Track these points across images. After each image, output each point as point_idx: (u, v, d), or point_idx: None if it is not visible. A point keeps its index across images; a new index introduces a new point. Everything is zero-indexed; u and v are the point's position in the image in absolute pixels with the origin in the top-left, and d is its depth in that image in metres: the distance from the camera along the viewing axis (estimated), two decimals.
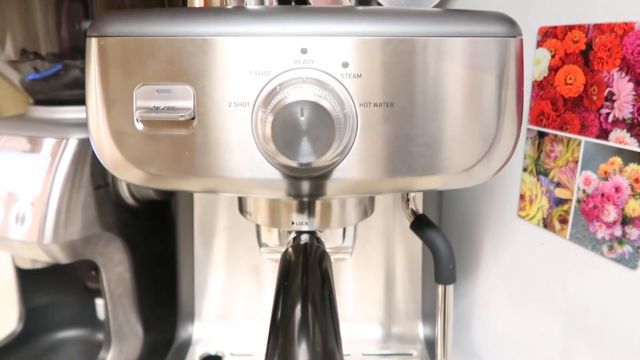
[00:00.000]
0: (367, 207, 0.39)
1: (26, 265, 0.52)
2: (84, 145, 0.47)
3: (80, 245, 0.48)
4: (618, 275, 0.38)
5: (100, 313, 0.63)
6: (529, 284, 0.48)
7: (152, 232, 0.58)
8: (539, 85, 0.45)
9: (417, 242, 0.54)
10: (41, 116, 0.52)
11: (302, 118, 0.28)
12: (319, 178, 0.32)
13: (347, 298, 0.55)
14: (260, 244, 0.42)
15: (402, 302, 0.55)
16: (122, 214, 0.52)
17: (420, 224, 0.42)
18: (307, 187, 0.33)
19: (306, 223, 0.36)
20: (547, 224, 0.45)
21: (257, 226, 0.41)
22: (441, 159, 0.32)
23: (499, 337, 0.53)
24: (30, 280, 0.60)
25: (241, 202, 0.39)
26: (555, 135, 0.43)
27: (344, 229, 0.41)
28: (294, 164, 0.29)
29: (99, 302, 0.62)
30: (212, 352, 0.53)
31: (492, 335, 0.55)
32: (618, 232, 0.38)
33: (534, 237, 0.47)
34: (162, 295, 0.59)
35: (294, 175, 0.32)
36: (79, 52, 0.49)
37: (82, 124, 0.48)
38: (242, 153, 0.31)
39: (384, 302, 0.55)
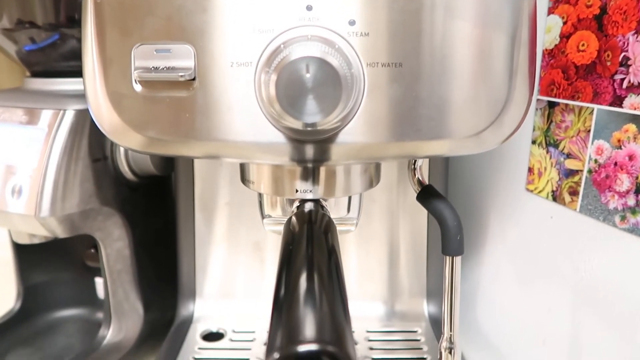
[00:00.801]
0: (372, 177, 0.38)
1: (24, 240, 0.51)
2: (82, 117, 0.46)
3: (78, 219, 0.47)
4: (630, 246, 0.37)
5: (100, 292, 0.62)
6: (536, 259, 0.47)
7: (151, 209, 0.57)
8: (549, 54, 0.43)
9: (421, 218, 0.53)
10: (38, 88, 0.50)
11: (308, 75, 0.27)
12: (323, 142, 0.31)
13: (350, 275, 0.54)
14: (263, 216, 0.40)
15: (406, 279, 0.54)
16: (121, 188, 0.51)
17: (426, 194, 0.40)
18: (312, 151, 0.31)
19: (310, 191, 0.35)
20: (556, 196, 0.44)
21: (260, 197, 0.40)
22: (450, 122, 0.31)
23: (505, 314, 0.53)
24: (28, 258, 0.59)
25: (243, 170, 0.38)
26: (566, 105, 0.42)
27: (349, 200, 0.40)
28: (298, 124, 0.28)
29: (99, 281, 0.61)
30: (214, 330, 0.52)
31: (497, 313, 0.54)
32: (631, 201, 0.37)
33: (542, 210, 0.46)
34: (163, 274, 0.58)
35: (298, 139, 0.31)
36: (75, 22, 0.48)
37: (80, 96, 0.47)
38: (245, 115, 0.30)
39: (388, 280, 0.54)
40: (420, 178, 0.42)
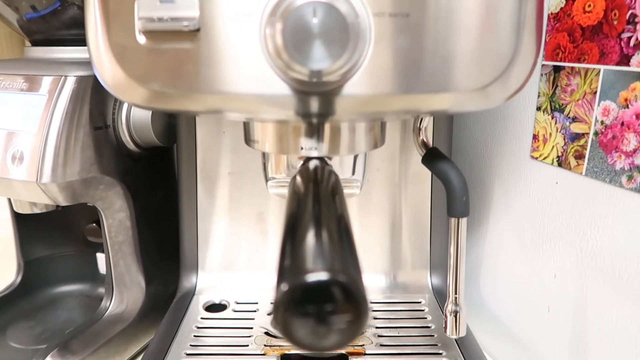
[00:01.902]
0: (377, 137, 0.38)
1: (25, 210, 0.51)
2: (83, 83, 0.45)
3: (79, 187, 0.46)
4: (638, 205, 0.37)
5: (102, 268, 0.62)
6: (541, 226, 0.47)
7: (153, 181, 0.56)
8: (555, 18, 0.43)
9: (425, 189, 0.52)
10: (39, 56, 0.50)
11: (315, 20, 0.27)
12: (329, 94, 0.31)
13: None
14: (267, 178, 0.40)
15: (409, 251, 0.54)
16: (122, 158, 0.51)
17: (431, 156, 0.40)
18: (317, 104, 0.31)
19: (315, 148, 0.35)
20: (561, 161, 0.44)
21: (264, 158, 0.40)
22: (456, 75, 0.31)
23: (509, 285, 0.52)
24: (29, 232, 0.58)
25: (247, 130, 0.38)
26: (572, 68, 0.42)
27: (354, 161, 0.40)
28: (305, 72, 0.28)
29: (100, 256, 0.61)
30: (217, 301, 0.52)
31: (501, 285, 0.54)
32: (638, 160, 0.36)
33: (547, 177, 0.46)
34: (165, 248, 0.58)
35: (304, 91, 0.30)
36: None
37: (81, 63, 0.46)
38: (250, 66, 0.30)
39: (391, 251, 0.54)
40: (425, 140, 0.42)
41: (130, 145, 0.51)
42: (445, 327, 0.40)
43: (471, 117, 0.57)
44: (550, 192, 0.45)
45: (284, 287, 0.20)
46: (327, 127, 0.35)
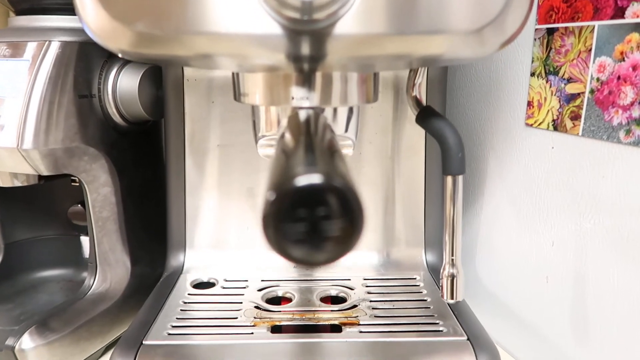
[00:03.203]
0: (370, 90, 0.36)
1: (5, 182, 0.49)
2: (68, 49, 0.44)
3: (63, 156, 0.45)
4: (637, 159, 0.36)
5: (87, 252, 0.60)
6: (537, 195, 0.46)
7: (140, 158, 0.55)
8: None
9: (418, 162, 0.51)
10: (23, 25, 0.49)
11: None
12: (320, 34, 0.30)
13: None
14: (257, 138, 0.39)
15: (403, 228, 0.53)
16: (108, 131, 0.49)
17: (425, 114, 0.39)
18: (308, 44, 0.30)
19: (307, 98, 0.34)
20: (557, 125, 0.43)
21: (254, 115, 0.39)
22: (451, 15, 0.30)
23: (506, 261, 0.51)
24: (11, 213, 0.56)
25: (236, 83, 0.36)
26: (566, 28, 0.41)
27: (348, 118, 0.38)
28: (296, 5, 0.27)
29: (85, 240, 0.59)
30: (205, 279, 0.50)
31: (497, 261, 0.53)
32: (636, 113, 0.36)
33: (542, 143, 0.45)
34: (152, 230, 0.56)
35: (295, 29, 0.29)
36: None
37: (66, 29, 0.45)
38: (239, 4, 0.29)
39: (384, 228, 0.53)
40: (418, 97, 0.41)
41: (117, 117, 0.50)
42: (442, 292, 0.39)
43: (463, 91, 0.56)
44: (546, 158, 0.45)
45: (273, 194, 0.19)
46: (318, 76, 0.34)
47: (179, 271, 0.51)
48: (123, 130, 0.51)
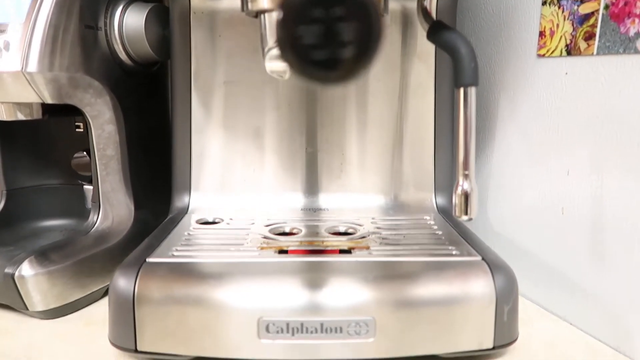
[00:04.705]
0: None
1: (10, 115, 0.48)
2: None
3: (66, 84, 0.44)
4: None
5: (90, 202, 0.59)
6: (551, 126, 0.45)
7: (147, 101, 0.54)
8: None
9: (428, 103, 0.50)
10: None
11: None
12: None
13: (352, 166, 0.51)
14: (265, 51, 0.38)
15: (412, 171, 0.51)
16: (114, 67, 0.49)
17: (436, 29, 0.38)
18: None
19: None
20: (570, 49, 0.42)
21: (261, 29, 0.38)
22: None
23: (518, 202, 0.50)
24: (13, 159, 0.56)
25: None
26: None
27: None
28: None
29: (88, 189, 0.58)
30: (210, 219, 0.49)
31: (509, 204, 0.51)
32: None
33: (555, 71, 0.44)
34: (156, 180, 0.55)
35: None
36: None
37: None
38: None
39: (393, 171, 0.51)
40: (428, 10, 0.40)
41: (123, 54, 0.49)
42: (455, 209, 0.37)
43: (473, 27, 0.55)
44: (560, 85, 0.44)
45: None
46: None
47: (183, 212, 0.50)
48: (129, 69, 0.51)
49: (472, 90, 0.37)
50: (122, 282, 0.36)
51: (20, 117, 0.48)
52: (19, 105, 0.47)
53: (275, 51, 0.38)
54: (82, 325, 0.44)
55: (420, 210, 0.51)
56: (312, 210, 0.51)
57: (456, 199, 0.37)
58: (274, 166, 0.51)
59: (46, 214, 0.57)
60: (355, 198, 0.51)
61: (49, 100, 0.44)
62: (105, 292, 0.49)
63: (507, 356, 0.39)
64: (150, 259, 0.38)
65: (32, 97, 0.44)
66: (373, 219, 0.49)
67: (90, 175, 0.51)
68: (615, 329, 0.40)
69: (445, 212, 0.50)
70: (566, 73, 0.43)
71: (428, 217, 0.49)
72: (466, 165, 0.37)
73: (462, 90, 0.37)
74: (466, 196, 0.37)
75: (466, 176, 0.37)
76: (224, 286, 0.35)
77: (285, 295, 0.35)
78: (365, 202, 0.51)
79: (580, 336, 0.42)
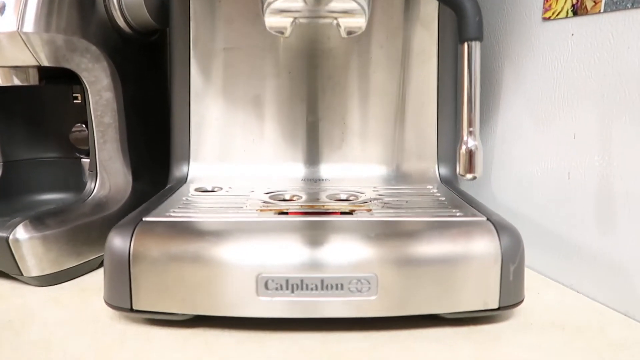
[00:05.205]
0: None
1: (5, 80, 0.47)
2: None
3: (63, 46, 0.43)
4: None
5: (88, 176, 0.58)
6: (556, 90, 0.44)
7: (145, 72, 0.53)
8: None
9: (431, 71, 0.50)
10: None
11: None
12: None
13: (353, 136, 0.50)
14: (265, 5, 0.37)
15: (415, 141, 0.51)
16: (112, 34, 0.48)
17: None
18: None
19: None
20: (577, 9, 0.41)
21: None
22: None
23: (523, 173, 0.49)
24: (10, 130, 0.55)
25: None
26: None
27: None
28: None
29: (86, 163, 0.57)
30: (209, 188, 0.48)
31: (514, 175, 0.50)
32: None
33: (561, 33, 0.43)
34: (154, 152, 0.54)
35: None
36: None
37: None
38: None
39: (396, 141, 0.50)
40: None
41: (121, 21, 0.49)
42: (458, 167, 0.36)
43: None
44: (566, 47, 0.43)
45: None
46: None
47: (182, 181, 0.49)
48: (127, 36, 0.50)
49: (477, 45, 0.36)
50: (117, 239, 0.35)
51: (17, 82, 0.47)
52: (16, 70, 0.46)
53: (275, 10, 0.38)
54: (77, 291, 0.43)
55: (423, 180, 0.50)
56: (312, 181, 0.50)
57: (460, 157, 0.36)
58: (274, 135, 0.50)
59: (43, 187, 0.57)
60: (356, 168, 0.51)
61: (45, 62, 0.43)
62: (101, 263, 0.48)
63: (512, 319, 0.38)
64: (146, 218, 0.37)
65: (28, 60, 0.43)
66: (375, 187, 0.48)
67: (89, 148, 0.50)
68: (624, 293, 0.39)
69: (448, 182, 0.49)
70: (572, 34, 0.42)
71: (431, 187, 0.48)
72: (471, 122, 0.36)
73: (466, 44, 0.36)
74: (470, 154, 0.36)
75: (471, 133, 0.36)
76: (222, 242, 0.34)
77: (285, 251, 0.34)
78: (367, 172, 0.50)
79: (587, 303, 0.41)
